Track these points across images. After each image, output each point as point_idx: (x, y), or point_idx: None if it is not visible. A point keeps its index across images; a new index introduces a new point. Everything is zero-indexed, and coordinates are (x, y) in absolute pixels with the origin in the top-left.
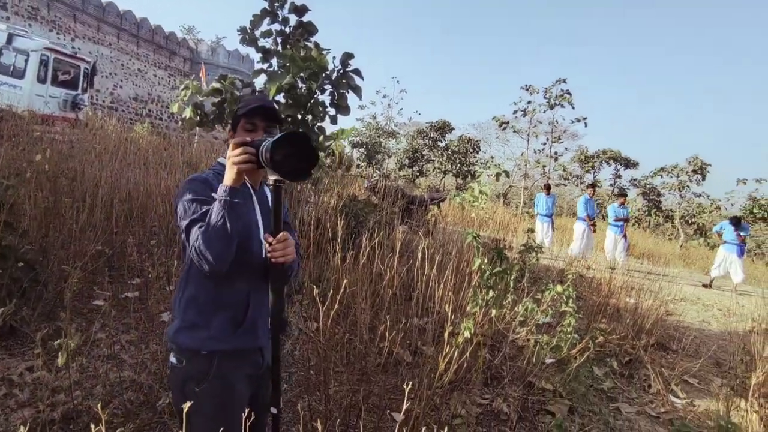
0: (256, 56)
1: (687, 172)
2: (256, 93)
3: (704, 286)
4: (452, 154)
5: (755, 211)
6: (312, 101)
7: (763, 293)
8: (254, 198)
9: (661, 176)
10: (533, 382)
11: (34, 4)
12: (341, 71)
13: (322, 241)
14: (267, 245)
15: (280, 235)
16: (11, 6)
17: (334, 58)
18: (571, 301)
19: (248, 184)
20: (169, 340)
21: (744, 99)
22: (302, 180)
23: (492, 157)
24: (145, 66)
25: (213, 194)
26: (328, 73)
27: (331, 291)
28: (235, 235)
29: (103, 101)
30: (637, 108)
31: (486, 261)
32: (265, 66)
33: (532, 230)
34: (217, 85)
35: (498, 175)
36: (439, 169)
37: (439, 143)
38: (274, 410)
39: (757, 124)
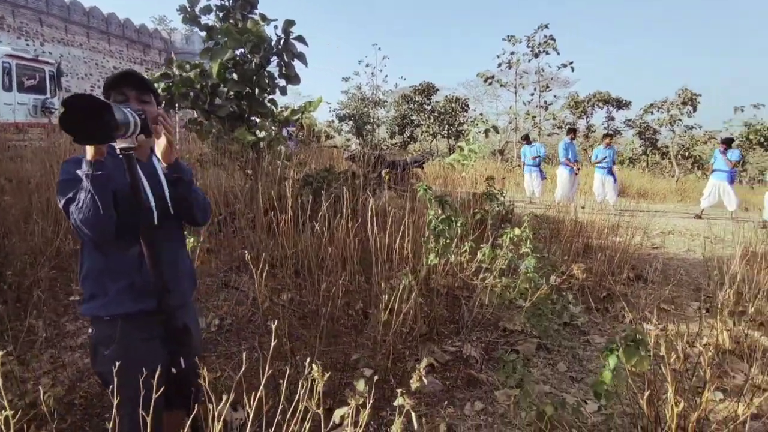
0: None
1: (677, 105)
2: (205, 73)
3: (696, 217)
4: (440, 116)
5: (751, 137)
6: (258, 74)
7: (756, 219)
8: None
9: (652, 113)
10: (502, 325)
11: None
12: (284, 40)
13: (281, 215)
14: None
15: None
16: None
17: (276, 27)
18: (528, 242)
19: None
20: (81, 315)
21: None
22: (98, 142)
23: (481, 115)
24: (120, 63)
25: None
26: (274, 43)
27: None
28: (105, 205)
29: None
30: (628, 46)
31: (438, 212)
32: (211, 44)
33: (491, 178)
34: (164, 69)
35: (487, 131)
36: (428, 132)
37: (426, 106)
38: (173, 370)
39: (748, 55)
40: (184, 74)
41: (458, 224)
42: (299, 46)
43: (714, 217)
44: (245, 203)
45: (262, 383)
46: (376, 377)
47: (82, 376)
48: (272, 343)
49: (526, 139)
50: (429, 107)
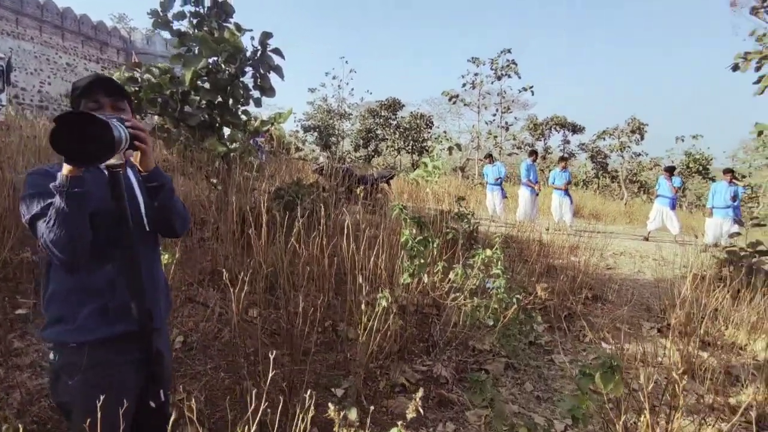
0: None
1: (626, 132)
2: (176, 80)
3: (644, 239)
4: (405, 131)
5: (691, 165)
6: (232, 85)
7: (698, 243)
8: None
9: (604, 139)
10: (472, 345)
11: None
12: (260, 52)
13: (255, 228)
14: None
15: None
16: None
17: (252, 38)
18: (499, 263)
19: (103, 168)
20: (42, 338)
21: (678, 63)
22: (95, 163)
23: (444, 132)
24: (74, 59)
25: None
26: (249, 54)
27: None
28: (81, 225)
29: (31, 100)
30: (586, 75)
31: (414, 232)
32: (182, 50)
33: (462, 198)
34: (129, 73)
35: (450, 149)
36: (392, 147)
37: (391, 121)
38: (152, 404)
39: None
40: (153, 79)
41: (434, 245)
42: (276, 59)
43: (660, 240)
44: (212, 214)
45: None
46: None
47: (32, 398)
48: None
49: (489, 158)
50: (394, 122)
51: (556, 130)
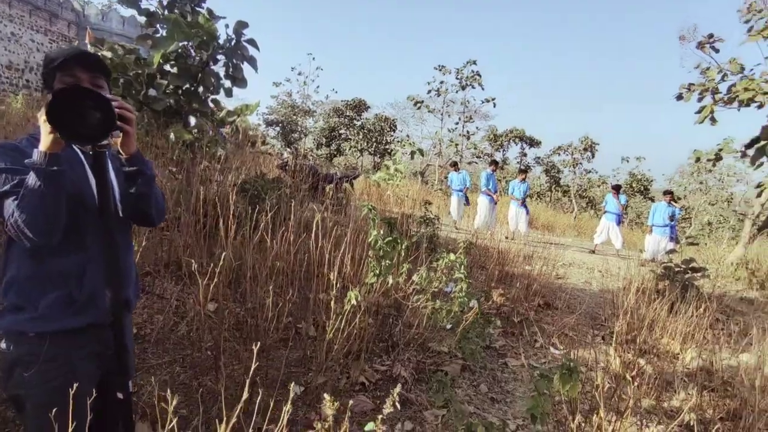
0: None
1: (579, 150)
2: (141, 61)
3: (591, 251)
4: (368, 133)
5: (634, 185)
6: (203, 72)
7: (638, 256)
8: (85, 162)
9: (559, 154)
10: (431, 346)
11: None
12: (235, 41)
13: (220, 222)
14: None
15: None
16: None
17: (227, 26)
18: (462, 267)
19: (77, 148)
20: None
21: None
22: (92, 143)
23: (408, 136)
24: (20, 29)
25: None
26: (221, 42)
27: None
28: (57, 205)
29: None
30: (545, 89)
31: (381, 233)
32: (150, 31)
33: (429, 202)
34: (91, 49)
35: (413, 153)
36: (355, 147)
37: (356, 122)
38: (120, 395)
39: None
40: (115, 59)
41: (403, 247)
42: (251, 50)
43: (605, 253)
44: (172, 204)
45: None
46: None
47: None
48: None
49: (455, 166)
50: (359, 123)
51: (515, 143)
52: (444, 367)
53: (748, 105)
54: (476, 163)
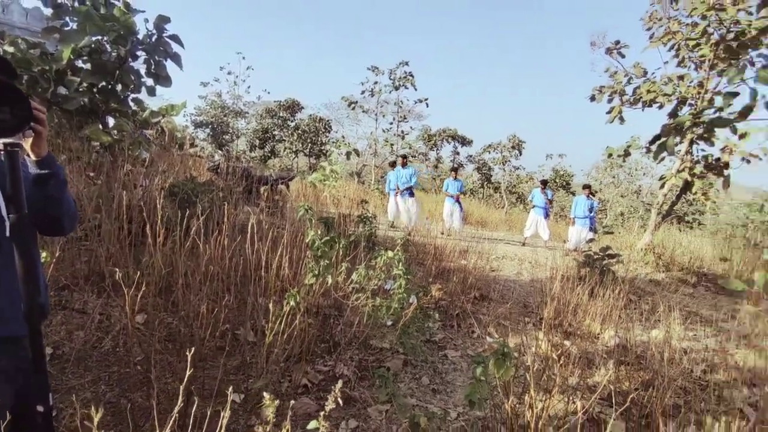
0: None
1: (508, 148)
2: (48, 56)
3: (522, 244)
4: (303, 134)
5: (557, 180)
6: (121, 69)
7: (563, 247)
8: None
9: (489, 152)
10: (372, 343)
11: None
12: (156, 36)
13: (147, 228)
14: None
15: None
16: None
17: (146, 21)
18: (400, 264)
19: None
20: None
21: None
22: (8, 135)
23: (343, 137)
24: None
25: None
26: (141, 38)
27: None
28: None
29: None
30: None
31: (318, 233)
32: (58, 24)
33: (366, 201)
34: None
35: (348, 154)
36: (290, 149)
37: (290, 123)
38: (40, 408)
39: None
40: (19, 54)
41: (340, 246)
42: (174, 46)
43: (534, 245)
44: (91, 211)
45: None
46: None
47: None
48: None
49: (392, 165)
50: (293, 124)
51: (448, 142)
52: (386, 363)
53: (650, 105)
54: (412, 162)
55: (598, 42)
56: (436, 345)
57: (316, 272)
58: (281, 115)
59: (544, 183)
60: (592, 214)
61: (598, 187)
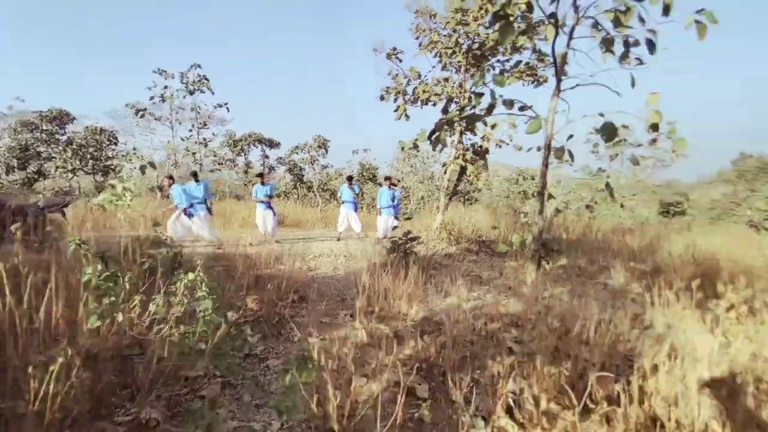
0: None
1: (314, 147)
2: None
3: (337, 239)
4: (80, 149)
5: (364, 173)
6: None
7: (373, 237)
8: None
9: (297, 153)
10: (183, 374)
11: None
12: None
13: None
14: None
15: None
16: None
17: None
18: (203, 284)
19: None
20: None
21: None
22: None
23: (134, 149)
24: None
25: None
26: None
27: None
28: None
29: None
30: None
31: (99, 268)
32: None
33: (158, 223)
34: None
35: (143, 167)
36: (64, 167)
37: (59, 136)
38: None
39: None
40: None
41: (126, 279)
42: None
43: (348, 238)
44: None
45: None
46: None
47: None
48: None
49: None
50: (64, 137)
51: (255, 146)
52: (202, 391)
53: (427, 103)
54: (219, 170)
55: (379, 48)
56: (258, 358)
57: (100, 313)
58: (45, 128)
59: (350, 179)
60: (395, 203)
61: (401, 176)
